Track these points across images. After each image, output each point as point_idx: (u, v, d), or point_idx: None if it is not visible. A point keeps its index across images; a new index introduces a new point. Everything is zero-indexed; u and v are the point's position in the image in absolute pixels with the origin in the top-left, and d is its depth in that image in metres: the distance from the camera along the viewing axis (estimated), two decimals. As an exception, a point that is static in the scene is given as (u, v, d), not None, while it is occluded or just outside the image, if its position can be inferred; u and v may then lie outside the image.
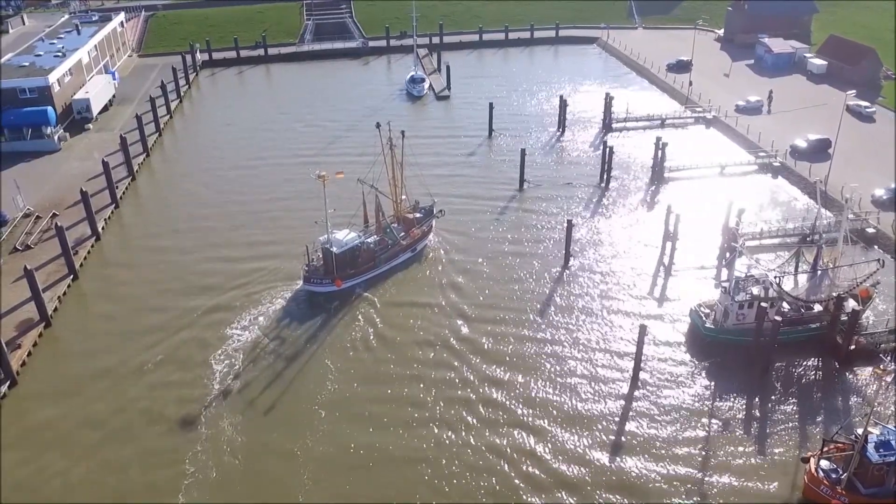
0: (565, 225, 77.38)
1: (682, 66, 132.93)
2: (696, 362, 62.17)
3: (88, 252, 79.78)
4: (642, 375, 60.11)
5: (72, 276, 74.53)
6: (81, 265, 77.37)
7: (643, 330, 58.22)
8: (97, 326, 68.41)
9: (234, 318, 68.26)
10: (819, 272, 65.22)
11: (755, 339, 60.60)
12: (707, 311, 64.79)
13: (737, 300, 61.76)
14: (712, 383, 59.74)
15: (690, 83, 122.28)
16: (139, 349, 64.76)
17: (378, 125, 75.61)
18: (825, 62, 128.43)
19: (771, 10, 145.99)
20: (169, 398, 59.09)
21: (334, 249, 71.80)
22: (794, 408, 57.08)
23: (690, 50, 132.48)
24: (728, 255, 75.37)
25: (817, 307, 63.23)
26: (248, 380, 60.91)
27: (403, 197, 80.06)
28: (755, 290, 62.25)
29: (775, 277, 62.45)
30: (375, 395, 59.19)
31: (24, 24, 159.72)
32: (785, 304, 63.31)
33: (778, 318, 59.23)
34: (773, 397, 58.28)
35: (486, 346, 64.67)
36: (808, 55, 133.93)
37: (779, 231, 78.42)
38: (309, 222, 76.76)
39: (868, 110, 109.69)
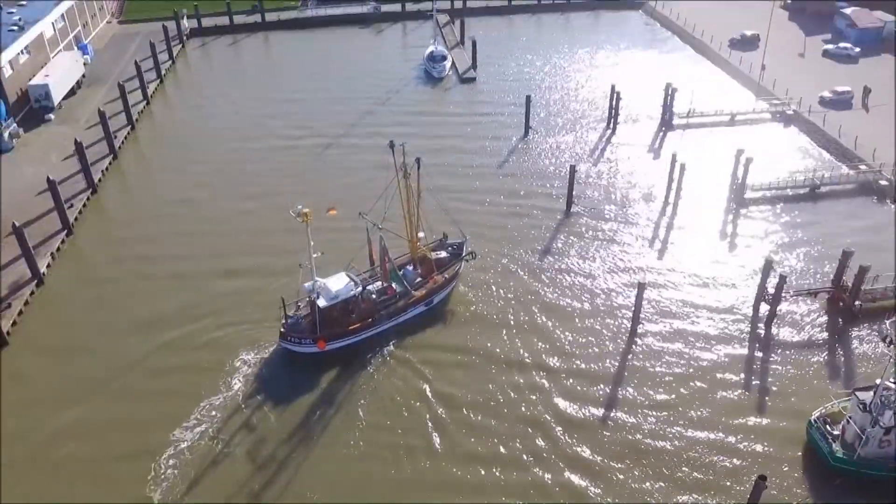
0: (631, 280, 60.49)
1: (746, 43, 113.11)
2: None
3: (26, 303, 63.36)
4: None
5: (-1, 343, 58.58)
6: (15, 323, 61.05)
7: (760, 486, 41.21)
8: (18, 412, 52.43)
9: (192, 406, 52.31)
10: None
11: (908, 479, 44.07)
12: (833, 429, 47.77)
13: (883, 424, 44.77)
14: (852, 547, 43.36)
15: (763, 67, 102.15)
16: (70, 441, 50.20)
17: (391, 144, 57.61)
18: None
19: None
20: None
21: (320, 302, 55.42)
22: None
23: (753, 20, 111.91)
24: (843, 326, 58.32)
25: None
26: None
27: (421, 234, 62.94)
28: (908, 410, 45.23)
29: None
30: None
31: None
32: (944, 425, 46.31)
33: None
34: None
35: (533, 451, 48.52)
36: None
37: (908, 291, 60.58)
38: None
39: None
